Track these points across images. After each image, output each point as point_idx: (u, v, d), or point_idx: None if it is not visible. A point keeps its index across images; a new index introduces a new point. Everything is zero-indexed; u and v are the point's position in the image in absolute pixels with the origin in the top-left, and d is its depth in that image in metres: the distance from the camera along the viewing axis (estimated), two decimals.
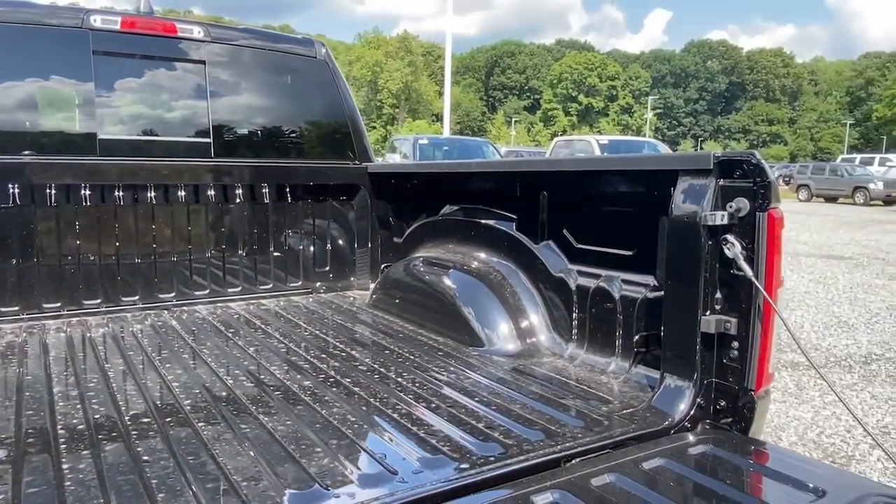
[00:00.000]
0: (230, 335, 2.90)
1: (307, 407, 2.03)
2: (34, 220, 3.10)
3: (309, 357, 2.59)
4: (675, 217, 2.04)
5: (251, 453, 1.68)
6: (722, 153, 1.97)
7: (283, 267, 3.78)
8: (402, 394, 2.16)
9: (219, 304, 3.49)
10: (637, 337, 2.33)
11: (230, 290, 3.61)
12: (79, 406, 2.01)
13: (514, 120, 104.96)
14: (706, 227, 1.95)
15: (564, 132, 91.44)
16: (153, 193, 3.37)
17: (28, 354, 2.57)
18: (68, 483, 1.50)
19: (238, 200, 3.60)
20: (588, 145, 17.29)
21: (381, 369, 2.43)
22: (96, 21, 3.25)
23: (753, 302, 1.89)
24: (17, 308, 3.07)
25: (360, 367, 2.46)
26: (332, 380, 2.29)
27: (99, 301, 3.26)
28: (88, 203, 3.21)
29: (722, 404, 1.99)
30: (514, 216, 2.92)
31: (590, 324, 2.55)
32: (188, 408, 2.01)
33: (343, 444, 1.76)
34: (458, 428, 1.87)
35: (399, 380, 2.31)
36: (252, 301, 3.59)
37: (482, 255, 3.06)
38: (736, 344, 1.94)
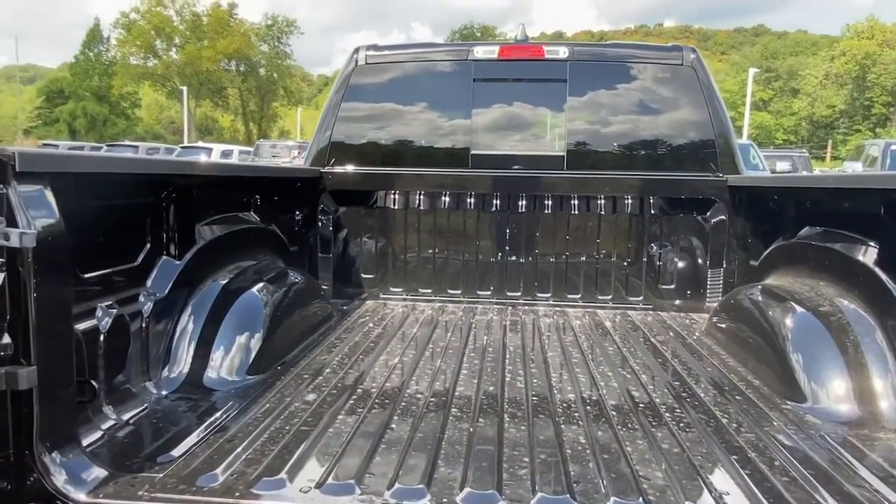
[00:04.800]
0: (567, 340, 3.06)
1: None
2: (414, 220, 3.82)
3: (617, 375, 2.55)
4: None
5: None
6: None
7: (624, 280, 3.74)
8: (688, 437, 1.97)
9: (556, 308, 3.68)
10: None
11: (569, 296, 3.75)
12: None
13: None
14: None
15: None
16: (507, 202, 3.76)
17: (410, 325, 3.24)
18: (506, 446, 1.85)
19: (582, 210, 3.72)
20: None
21: (675, 410, 2.24)
22: (478, 53, 3.79)
23: None
24: (401, 289, 3.84)
25: (651, 399, 2.31)
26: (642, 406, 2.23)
27: (460, 291, 3.81)
28: (457, 208, 3.78)
29: None
30: (875, 245, 2.29)
31: None
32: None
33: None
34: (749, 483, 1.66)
35: (686, 423, 2.09)
36: (588, 310, 3.66)
37: (831, 291, 2.49)
38: None
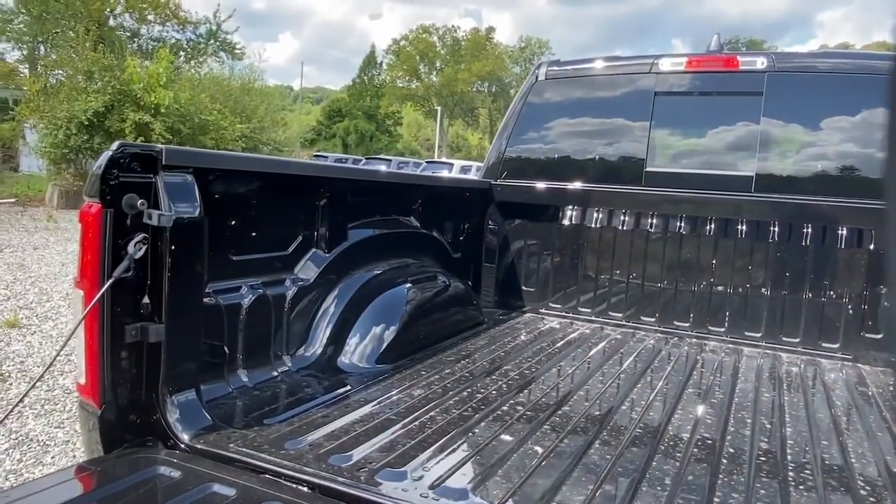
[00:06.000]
0: (721, 379, 2.76)
1: None
2: (581, 237, 3.73)
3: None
4: None
5: None
6: None
7: (817, 323, 3.23)
8: None
9: (730, 345, 3.32)
10: None
11: (748, 333, 3.36)
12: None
13: None
14: None
15: None
16: (682, 225, 3.49)
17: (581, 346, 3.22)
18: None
19: (773, 239, 3.30)
20: None
21: (788, 474, 1.93)
22: (663, 65, 3.59)
23: None
24: (560, 306, 3.78)
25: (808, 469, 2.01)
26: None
27: (621, 315, 3.63)
28: (625, 228, 3.62)
29: None
30: None
31: None
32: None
33: None
34: None
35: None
36: (769, 351, 3.24)
37: None
38: None
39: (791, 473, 1.82)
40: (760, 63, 3.40)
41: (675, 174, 3.54)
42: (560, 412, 2.20)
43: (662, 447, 1.96)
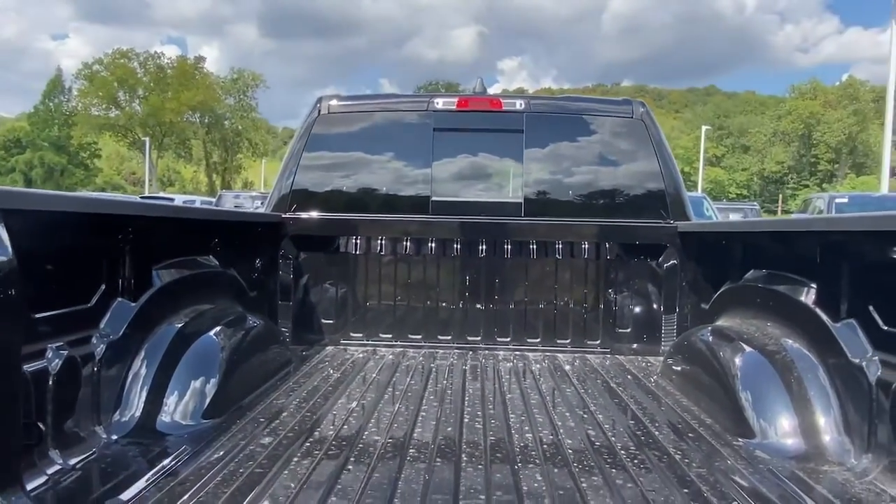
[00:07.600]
0: (526, 384, 3.08)
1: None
2: (375, 266, 3.85)
3: (557, 420, 2.58)
4: None
5: None
6: None
7: (582, 324, 3.81)
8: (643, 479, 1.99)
9: (516, 352, 3.72)
10: None
11: (529, 340, 3.80)
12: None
13: None
14: None
15: None
16: (467, 248, 3.82)
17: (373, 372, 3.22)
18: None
19: (540, 256, 3.80)
20: None
21: (629, 449, 2.26)
22: (438, 104, 3.91)
23: None
24: (361, 335, 3.84)
25: (604, 442, 2.34)
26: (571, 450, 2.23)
27: (420, 336, 3.82)
28: (416, 254, 3.83)
29: None
30: (814, 285, 2.41)
31: (893, 431, 1.93)
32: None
33: None
34: None
35: (643, 463, 2.11)
36: (548, 354, 3.71)
37: (775, 331, 2.59)
38: None
39: (625, 457, 2.16)
40: (519, 105, 3.91)
41: (458, 202, 3.86)
42: (415, 439, 2.27)
43: (531, 458, 2.16)
